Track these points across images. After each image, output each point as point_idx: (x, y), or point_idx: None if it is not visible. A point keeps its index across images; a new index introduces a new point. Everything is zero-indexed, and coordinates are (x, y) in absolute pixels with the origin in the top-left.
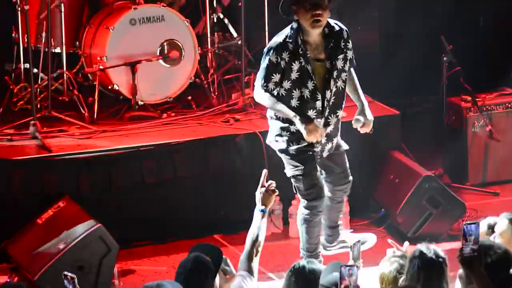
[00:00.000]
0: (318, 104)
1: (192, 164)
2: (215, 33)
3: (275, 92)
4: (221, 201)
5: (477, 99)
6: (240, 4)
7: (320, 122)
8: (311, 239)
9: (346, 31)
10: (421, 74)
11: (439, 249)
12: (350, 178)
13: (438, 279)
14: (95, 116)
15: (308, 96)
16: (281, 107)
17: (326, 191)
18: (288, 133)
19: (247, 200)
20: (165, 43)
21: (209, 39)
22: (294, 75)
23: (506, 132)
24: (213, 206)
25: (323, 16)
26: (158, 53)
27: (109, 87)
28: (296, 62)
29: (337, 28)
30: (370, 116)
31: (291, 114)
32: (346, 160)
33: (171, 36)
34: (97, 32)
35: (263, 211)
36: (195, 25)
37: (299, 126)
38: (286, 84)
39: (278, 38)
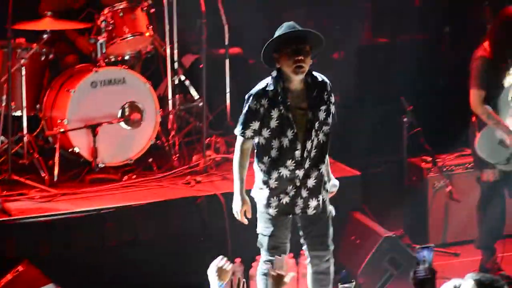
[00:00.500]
0: (297, 154)
1: (153, 226)
2: (177, 95)
3: (256, 140)
4: (182, 264)
5: (437, 160)
6: (201, 66)
7: (299, 174)
8: None
9: (329, 84)
10: (382, 134)
11: None
12: (330, 247)
13: None
14: (55, 179)
15: (287, 145)
16: (237, 170)
17: (306, 255)
18: (267, 187)
19: (205, 262)
20: (126, 105)
21: (170, 101)
22: (273, 123)
23: (465, 192)
24: (174, 269)
25: (305, 62)
26: (119, 115)
27: (70, 150)
28: (275, 109)
29: (320, 79)
30: (335, 181)
31: (236, 186)
32: (329, 227)
33: (132, 98)
34: (58, 95)
35: (221, 286)
36: (156, 87)
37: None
38: (266, 133)
39: (259, 85)
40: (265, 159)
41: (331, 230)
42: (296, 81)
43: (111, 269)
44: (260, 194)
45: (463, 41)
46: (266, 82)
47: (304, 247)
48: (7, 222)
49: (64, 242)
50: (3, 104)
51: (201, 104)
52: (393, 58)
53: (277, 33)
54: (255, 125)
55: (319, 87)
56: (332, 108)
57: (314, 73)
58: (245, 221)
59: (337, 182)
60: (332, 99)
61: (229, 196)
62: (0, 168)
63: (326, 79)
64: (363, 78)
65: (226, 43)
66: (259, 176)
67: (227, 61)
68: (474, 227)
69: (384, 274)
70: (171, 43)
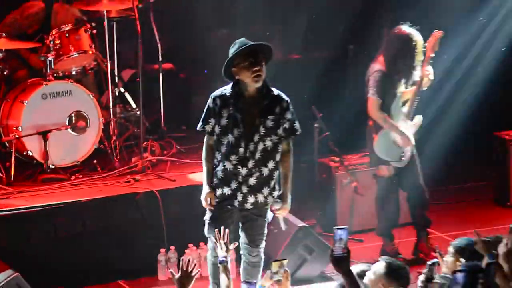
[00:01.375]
0: (241, 151)
1: (98, 219)
2: (117, 105)
3: (215, 137)
4: (124, 252)
5: (343, 160)
6: (138, 79)
7: (241, 171)
8: (215, 279)
9: (286, 101)
10: (296, 138)
11: None
12: (260, 246)
13: None
14: (12, 179)
15: (233, 142)
16: (204, 164)
17: (241, 243)
18: (216, 179)
19: (144, 250)
20: (73, 114)
21: (111, 110)
22: (223, 121)
23: (368, 187)
24: (116, 256)
25: (262, 71)
26: (67, 123)
27: (24, 153)
28: (226, 109)
29: (275, 93)
30: (289, 204)
31: (203, 178)
32: (264, 229)
33: (78, 108)
34: (13, 106)
35: None
36: (100, 97)
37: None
38: (217, 129)
39: (219, 89)
40: (217, 153)
41: (265, 231)
42: (253, 89)
43: (62, 257)
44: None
45: (363, 57)
46: (226, 87)
47: (240, 240)
48: None
49: (21, 234)
50: None
51: (138, 112)
52: (304, 72)
53: (232, 50)
54: (212, 121)
55: (272, 99)
56: (286, 123)
57: (272, 88)
58: (210, 207)
59: (287, 203)
60: (288, 115)
61: (163, 192)
62: None
63: (284, 96)
64: (279, 89)
65: (160, 59)
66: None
67: (160, 75)
68: (375, 217)
69: (299, 259)
70: (111, 59)
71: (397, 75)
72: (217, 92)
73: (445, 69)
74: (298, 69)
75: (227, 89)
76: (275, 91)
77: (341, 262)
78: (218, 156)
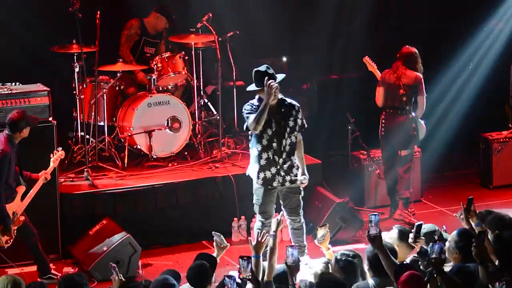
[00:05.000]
0: (275, 146)
1: (189, 195)
2: (202, 111)
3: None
4: (207, 220)
5: (370, 153)
6: (218, 93)
7: (278, 160)
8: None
9: (297, 106)
10: (335, 137)
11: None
12: (300, 213)
13: (354, 274)
14: (126, 166)
15: (268, 139)
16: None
17: (286, 216)
18: (258, 165)
19: (222, 219)
20: (170, 118)
21: (196, 115)
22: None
23: (388, 172)
24: (201, 223)
25: (277, 92)
26: (165, 125)
27: (134, 147)
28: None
29: (288, 101)
30: (307, 176)
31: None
32: (300, 201)
33: (174, 113)
34: (127, 112)
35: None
36: (189, 106)
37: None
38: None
39: (250, 102)
40: (258, 145)
41: (301, 203)
42: (274, 101)
43: (161, 224)
44: (253, 170)
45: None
46: (253, 101)
47: (283, 212)
48: (95, 193)
49: (132, 206)
50: (92, 117)
51: (218, 117)
52: (342, 89)
53: (255, 77)
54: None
55: (287, 106)
56: (299, 121)
57: (286, 98)
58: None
59: (307, 176)
60: (299, 115)
61: (236, 176)
62: (91, 158)
63: (294, 102)
64: (322, 100)
65: (234, 78)
66: (252, 153)
67: (234, 90)
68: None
69: (336, 226)
70: (198, 78)
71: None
72: (252, 102)
73: (442, 87)
74: (336, 87)
75: (254, 102)
76: (287, 99)
77: (375, 240)
78: (259, 147)
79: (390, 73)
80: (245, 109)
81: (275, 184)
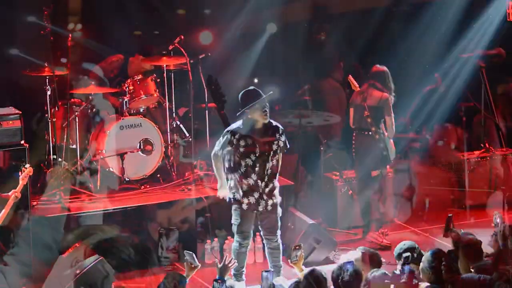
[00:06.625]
0: (257, 170)
1: (160, 218)
2: (174, 134)
3: (226, 160)
4: (181, 238)
5: (343, 174)
6: (190, 115)
7: (260, 184)
8: (238, 263)
9: (281, 129)
10: (307, 158)
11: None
12: (277, 233)
13: None
14: (98, 188)
15: (250, 164)
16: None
17: (262, 235)
18: (241, 191)
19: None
20: (142, 141)
21: (169, 137)
22: (241, 149)
23: (361, 193)
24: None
25: (267, 112)
26: (138, 147)
27: (107, 169)
28: (243, 140)
29: (274, 124)
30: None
31: (219, 182)
32: (278, 221)
33: (146, 136)
34: (99, 134)
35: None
36: (161, 128)
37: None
38: (237, 155)
39: (234, 125)
40: (239, 171)
41: (279, 223)
42: (260, 124)
43: (134, 247)
44: (235, 195)
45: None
46: (238, 123)
47: (261, 233)
48: (68, 216)
49: (104, 229)
50: (64, 140)
51: (190, 139)
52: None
53: (245, 98)
54: (228, 148)
55: (273, 129)
56: (281, 143)
57: (272, 120)
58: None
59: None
60: (283, 138)
61: (209, 198)
62: (63, 182)
63: (279, 125)
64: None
65: (206, 100)
66: (233, 184)
67: (207, 112)
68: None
69: (309, 247)
70: (170, 100)
71: None
72: (233, 127)
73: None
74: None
75: (238, 125)
76: (273, 122)
77: (352, 285)
78: (236, 176)
79: (357, 94)
80: (222, 136)
81: (260, 209)
